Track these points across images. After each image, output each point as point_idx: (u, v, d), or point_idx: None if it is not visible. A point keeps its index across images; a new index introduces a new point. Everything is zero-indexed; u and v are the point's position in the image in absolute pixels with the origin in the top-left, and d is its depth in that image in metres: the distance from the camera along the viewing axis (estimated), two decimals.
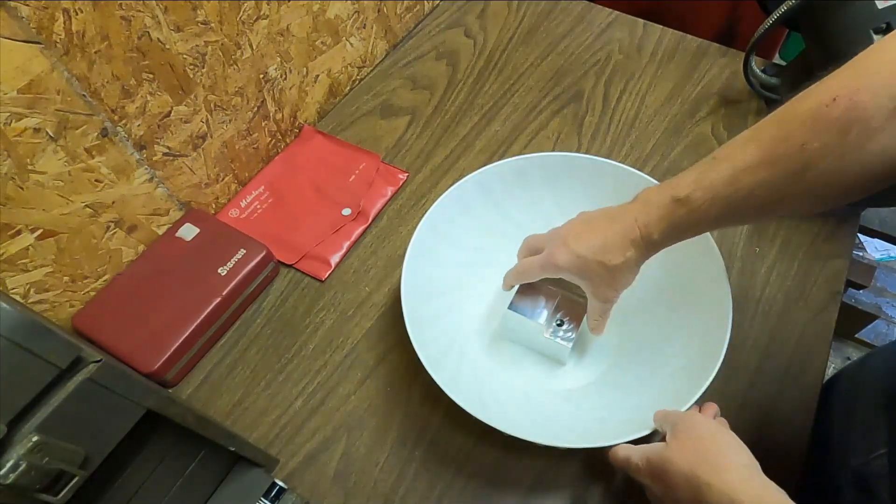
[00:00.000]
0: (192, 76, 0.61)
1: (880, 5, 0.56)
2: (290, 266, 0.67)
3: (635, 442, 0.47)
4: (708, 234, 0.55)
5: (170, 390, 0.59)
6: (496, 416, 0.48)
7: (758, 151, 0.39)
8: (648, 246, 0.46)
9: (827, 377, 0.59)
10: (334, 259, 0.67)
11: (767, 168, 0.39)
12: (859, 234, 1.39)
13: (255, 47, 0.67)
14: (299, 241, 0.69)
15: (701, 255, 0.55)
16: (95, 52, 0.52)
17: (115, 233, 0.60)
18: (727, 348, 0.49)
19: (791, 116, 0.38)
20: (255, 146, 0.73)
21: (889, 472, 0.45)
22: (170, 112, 0.60)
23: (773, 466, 0.48)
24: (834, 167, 0.36)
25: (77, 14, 0.49)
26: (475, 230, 0.62)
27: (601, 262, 0.47)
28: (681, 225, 0.44)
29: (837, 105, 0.36)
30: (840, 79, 0.37)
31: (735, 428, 0.55)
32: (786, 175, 0.38)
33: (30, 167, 0.50)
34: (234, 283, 0.61)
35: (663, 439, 0.44)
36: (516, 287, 0.57)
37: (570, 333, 0.56)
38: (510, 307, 0.57)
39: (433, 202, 0.59)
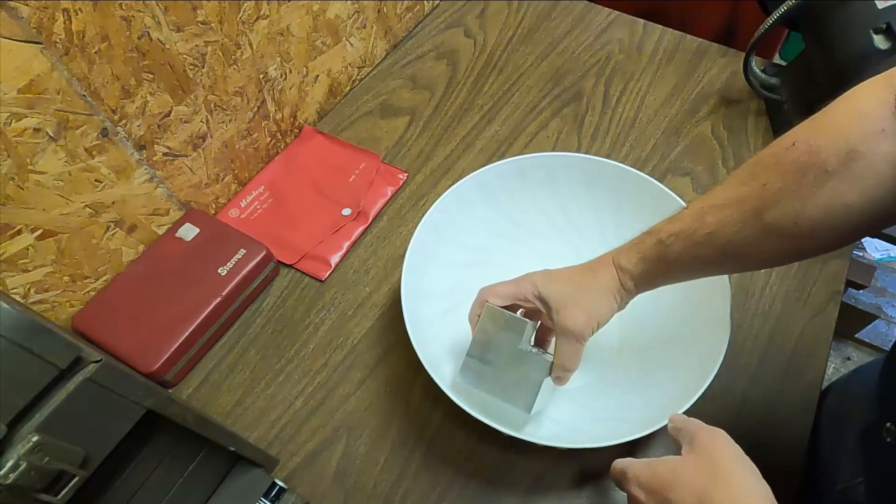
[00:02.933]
0: (192, 76, 0.61)
1: (880, 5, 0.56)
2: (290, 266, 0.67)
3: (635, 442, 0.47)
4: None
5: (170, 390, 0.59)
6: (496, 417, 0.48)
7: (725, 191, 0.41)
8: (622, 272, 0.47)
9: (827, 377, 0.59)
10: (334, 259, 0.67)
11: (732, 207, 0.40)
12: None
13: (255, 47, 0.67)
14: (299, 241, 0.69)
15: None
16: (95, 52, 0.52)
17: (115, 233, 0.60)
18: (727, 348, 0.49)
19: (758, 160, 0.40)
20: (255, 146, 0.73)
21: (866, 501, 0.45)
22: (170, 112, 0.60)
23: (774, 466, 0.48)
24: (792, 208, 0.37)
25: (77, 14, 0.49)
26: (475, 230, 0.62)
27: (579, 283, 0.47)
28: (650, 257, 0.45)
29: (797, 148, 0.37)
30: (804, 126, 0.39)
31: (735, 428, 0.55)
32: (746, 214, 0.39)
33: (30, 167, 0.50)
34: (234, 283, 0.61)
35: (677, 448, 0.42)
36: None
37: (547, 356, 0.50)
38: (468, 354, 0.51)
39: (433, 202, 0.59)
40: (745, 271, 0.45)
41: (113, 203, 0.59)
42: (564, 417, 0.54)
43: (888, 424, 0.40)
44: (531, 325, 0.50)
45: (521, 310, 0.52)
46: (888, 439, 0.40)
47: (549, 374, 0.49)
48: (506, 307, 0.50)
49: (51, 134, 0.51)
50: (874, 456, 0.45)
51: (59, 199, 0.54)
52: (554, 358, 0.48)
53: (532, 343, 0.52)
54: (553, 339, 0.54)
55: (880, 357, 0.51)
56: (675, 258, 0.43)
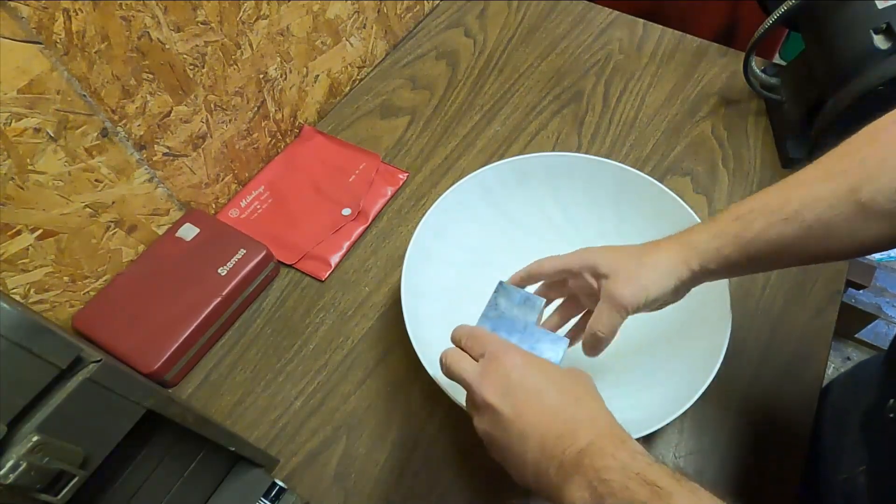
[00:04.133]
0: (192, 76, 0.61)
1: (880, 5, 0.56)
2: (290, 266, 0.67)
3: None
4: None
5: (170, 390, 0.59)
6: None
7: (815, 169, 0.38)
8: (690, 256, 0.43)
9: (827, 377, 0.59)
10: (334, 259, 0.67)
11: (823, 181, 0.37)
12: None
13: (255, 47, 0.67)
14: (299, 241, 0.69)
15: None
16: (95, 52, 0.52)
17: (115, 233, 0.60)
18: (727, 348, 0.49)
19: (852, 140, 0.38)
20: (255, 146, 0.73)
21: (867, 490, 0.45)
22: (170, 112, 0.60)
23: (775, 465, 0.48)
24: (890, 186, 0.35)
25: (77, 14, 0.49)
26: (475, 230, 0.62)
27: (636, 255, 0.44)
28: (726, 233, 0.41)
29: None
30: None
31: (736, 428, 0.55)
32: (839, 189, 0.37)
33: (30, 167, 0.50)
34: (234, 283, 0.61)
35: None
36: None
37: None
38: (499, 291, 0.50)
39: (433, 202, 0.59)
40: (829, 261, 0.41)
41: (113, 203, 0.59)
42: None
43: (891, 401, 0.40)
44: (543, 303, 0.50)
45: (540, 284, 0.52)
46: (891, 415, 0.40)
47: (564, 354, 0.47)
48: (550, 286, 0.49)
49: (51, 134, 0.51)
50: (876, 436, 0.45)
51: (59, 199, 0.54)
52: (589, 323, 0.46)
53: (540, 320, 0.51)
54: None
55: (881, 356, 0.51)
56: (755, 237, 0.39)
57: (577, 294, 0.50)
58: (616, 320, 0.44)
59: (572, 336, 0.50)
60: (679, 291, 0.44)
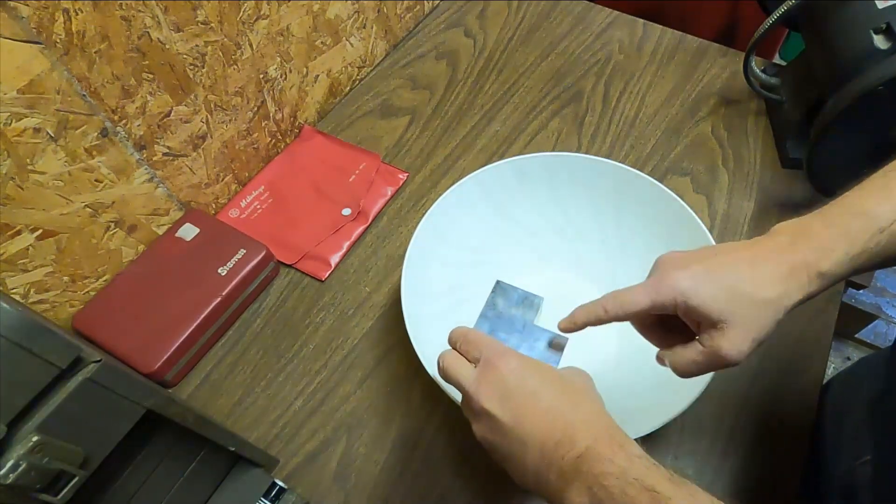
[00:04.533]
0: (192, 76, 0.61)
1: (880, 5, 0.56)
2: (290, 266, 0.67)
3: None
4: (707, 233, 0.54)
5: (170, 390, 0.59)
6: None
7: None
8: (813, 278, 0.35)
9: (827, 377, 0.59)
10: (334, 259, 0.67)
11: None
12: None
13: (255, 47, 0.67)
14: (299, 241, 0.69)
15: None
16: (95, 52, 0.52)
17: (115, 233, 0.60)
18: None
19: None
20: (255, 146, 0.73)
21: (871, 481, 0.45)
22: (170, 112, 0.60)
23: (774, 465, 0.48)
24: None
25: (77, 14, 0.49)
26: (475, 230, 0.62)
27: (748, 294, 0.35)
28: (863, 248, 0.34)
29: None
30: None
31: (736, 428, 0.55)
32: None
33: (30, 167, 0.50)
34: (234, 283, 0.61)
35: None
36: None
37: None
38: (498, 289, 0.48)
39: (433, 202, 0.59)
40: None
41: (113, 203, 0.59)
42: None
43: None
44: (542, 302, 0.49)
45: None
46: None
47: (563, 353, 0.46)
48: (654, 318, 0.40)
49: (51, 134, 0.51)
50: (883, 425, 0.44)
51: (59, 199, 0.54)
52: (673, 359, 0.39)
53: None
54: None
55: (884, 349, 0.51)
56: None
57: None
58: (706, 371, 0.38)
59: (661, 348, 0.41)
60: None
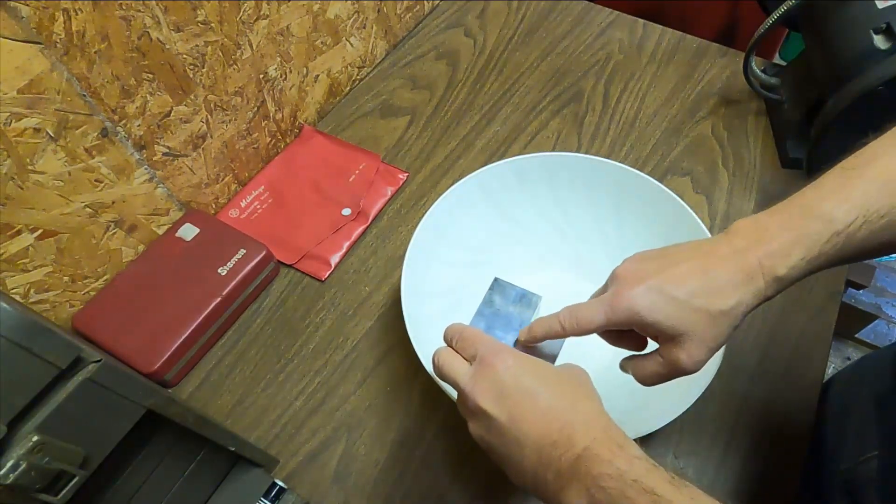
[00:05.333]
0: (192, 76, 0.61)
1: (880, 5, 0.56)
2: (290, 266, 0.67)
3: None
4: (707, 233, 0.54)
5: (170, 390, 0.59)
6: None
7: None
8: (769, 283, 0.35)
9: (827, 377, 0.59)
10: (334, 259, 0.67)
11: None
12: None
13: (255, 47, 0.67)
14: (299, 241, 0.69)
15: None
16: (95, 52, 0.52)
17: (115, 233, 0.60)
18: (727, 348, 0.49)
19: None
20: (255, 146, 0.73)
21: (878, 476, 0.45)
22: (170, 112, 0.60)
23: (774, 465, 0.48)
24: None
25: (77, 14, 0.49)
26: (475, 230, 0.62)
27: (703, 307, 0.35)
28: (820, 251, 0.34)
29: None
30: None
31: (736, 428, 0.55)
32: None
33: (30, 167, 0.50)
34: (234, 283, 0.61)
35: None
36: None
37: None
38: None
39: (433, 202, 0.59)
40: None
41: (113, 203, 0.59)
42: None
43: None
44: (540, 300, 0.49)
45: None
46: None
47: (560, 350, 0.46)
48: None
49: (51, 134, 0.51)
50: (892, 421, 0.44)
51: (59, 199, 0.54)
52: (634, 369, 0.41)
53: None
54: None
55: (884, 347, 0.51)
56: (856, 249, 0.34)
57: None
58: (665, 380, 0.39)
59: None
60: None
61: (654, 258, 0.38)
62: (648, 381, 0.40)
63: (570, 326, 0.40)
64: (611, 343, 0.43)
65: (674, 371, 0.38)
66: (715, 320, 0.36)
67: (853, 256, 0.36)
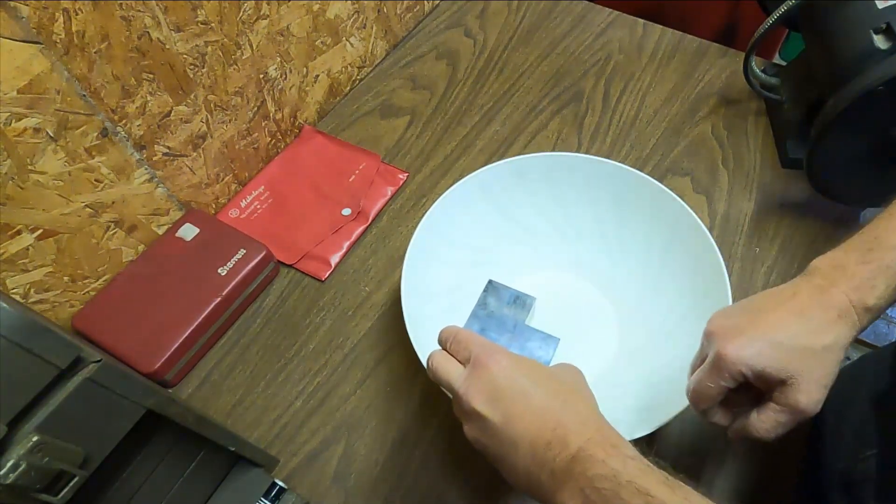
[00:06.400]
0: (192, 76, 0.61)
1: (880, 5, 0.56)
2: (290, 266, 0.67)
3: (634, 442, 0.47)
4: (707, 233, 0.54)
5: (170, 390, 0.59)
6: None
7: None
8: (862, 315, 0.36)
9: None
10: (334, 259, 0.67)
11: None
12: None
13: (255, 47, 0.67)
14: (299, 241, 0.69)
15: (701, 255, 0.55)
16: (95, 52, 0.52)
17: (115, 233, 0.60)
18: None
19: None
20: (255, 146, 0.73)
21: (877, 474, 0.45)
22: (170, 112, 0.60)
23: (772, 465, 0.48)
24: None
25: (77, 14, 0.49)
26: (475, 230, 0.62)
27: (808, 347, 0.36)
28: None
29: None
30: None
31: None
32: None
33: (30, 167, 0.50)
34: (234, 283, 0.61)
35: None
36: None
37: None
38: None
39: (433, 202, 0.59)
40: None
41: (113, 203, 0.59)
42: None
43: None
44: (534, 302, 0.49)
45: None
46: None
47: (555, 353, 0.47)
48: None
49: (51, 134, 0.51)
50: (890, 421, 0.44)
51: (59, 199, 0.54)
52: (752, 423, 0.39)
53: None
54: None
55: (884, 346, 0.51)
56: None
57: None
58: (787, 428, 0.39)
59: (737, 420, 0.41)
60: None
61: (741, 312, 0.39)
62: (772, 433, 0.39)
63: (700, 403, 0.40)
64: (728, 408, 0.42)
65: (794, 414, 0.37)
66: (822, 357, 0.36)
67: None
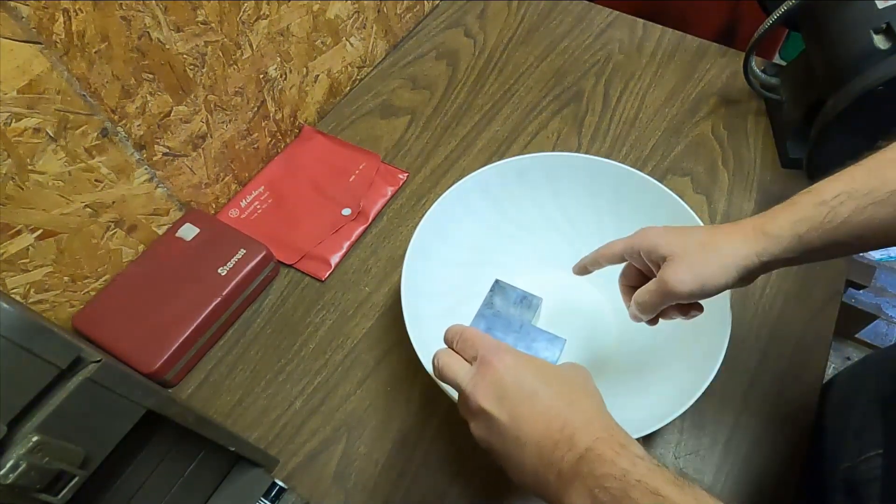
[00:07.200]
0: (192, 76, 0.61)
1: (880, 5, 0.56)
2: (290, 266, 0.67)
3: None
4: None
5: (170, 390, 0.59)
6: None
7: None
8: (760, 238, 0.40)
9: (827, 377, 0.59)
10: (334, 259, 0.67)
11: None
12: None
13: (255, 47, 0.67)
14: (299, 241, 0.69)
15: None
16: (95, 52, 0.52)
17: (115, 233, 0.60)
18: (727, 348, 0.49)
19: None
20: (255, 146, 0.73)
21: (882, 475, 0.45)
22: (170, 112, 0.60)
23: (774, 465, 0.48)
24: None
25: (77, 14, 0.49)
26: (475, 230, 0.62)
27: (698, 240, 0.42)
28: (803, 216, 0.39)
29: None
30: None
31: (735, 428, 0.55)
32: None
33: (30, 167, 0.50)
34: (234, 283, 0.61)
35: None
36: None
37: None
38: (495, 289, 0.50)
39: (433, 202, 0.59)
40: None
41: (113, 203, 0.59)
42: None
43: None
44: (541, 302, 0.49)
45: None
46: None
47: (561, 354, 0.46)
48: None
49: (51, 134, 0.51)
50: None
51: (59, 199, 0.54)
52: (634, 295, 0.45)
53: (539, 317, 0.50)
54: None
55: (888, 346, 0.51)
56: (843, 222, 0.38)
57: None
58: (658, 303, 0.44)
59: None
60: (745, 280, 0.42)
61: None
62: (642, 299, 0.44)
63: (603, 250, 0.48)
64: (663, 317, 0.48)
65: (663, 290, 0.42)
66: (704, 252, 0.41)
67: (847, 239, 0.39)
